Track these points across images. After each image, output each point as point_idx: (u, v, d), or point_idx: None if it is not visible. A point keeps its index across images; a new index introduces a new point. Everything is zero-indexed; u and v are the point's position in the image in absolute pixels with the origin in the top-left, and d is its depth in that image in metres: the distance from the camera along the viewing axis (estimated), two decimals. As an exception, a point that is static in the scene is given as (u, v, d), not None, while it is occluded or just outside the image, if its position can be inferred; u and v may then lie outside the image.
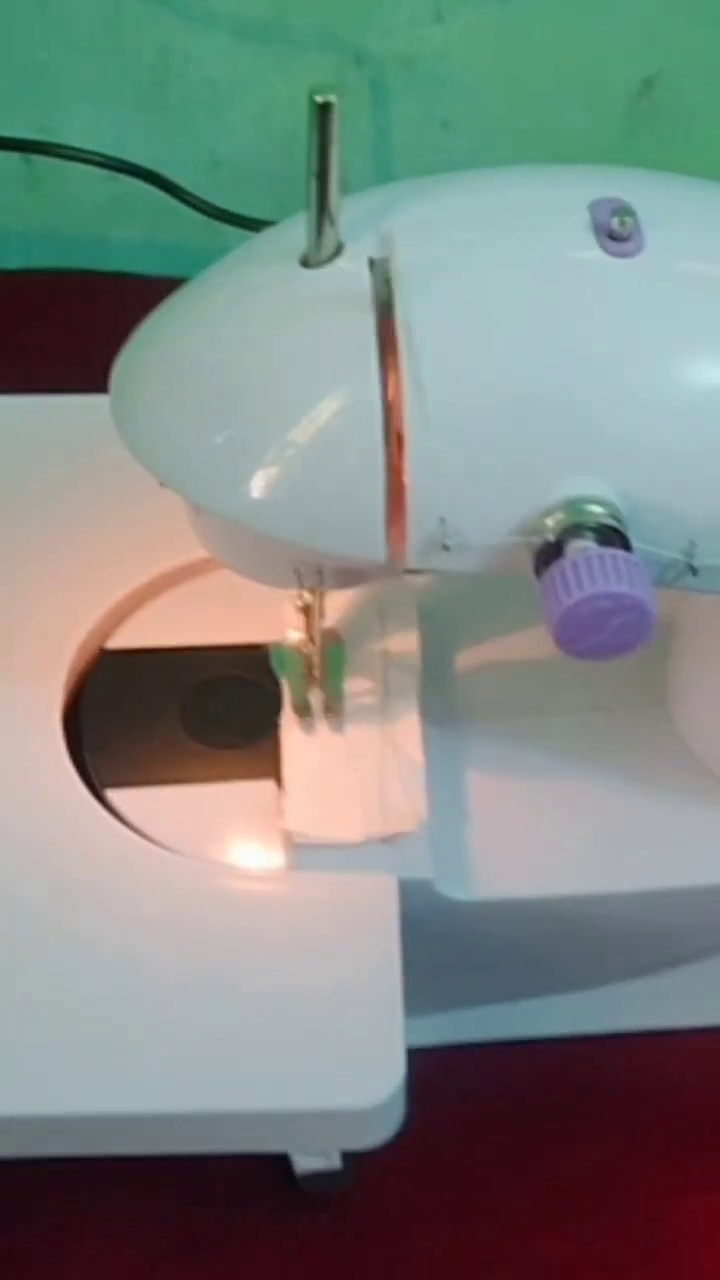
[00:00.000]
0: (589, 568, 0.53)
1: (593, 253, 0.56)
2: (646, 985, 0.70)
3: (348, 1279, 0.66)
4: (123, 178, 0.95)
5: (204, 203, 0.88)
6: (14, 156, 0.98)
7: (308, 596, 0.66)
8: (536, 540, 0.55)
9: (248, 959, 0.62)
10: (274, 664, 0.68)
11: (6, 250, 1.04)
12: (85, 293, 1.01)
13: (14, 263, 1.04)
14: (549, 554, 0.55)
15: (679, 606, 0.69)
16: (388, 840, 0.64)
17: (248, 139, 1.01)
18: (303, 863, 0.63)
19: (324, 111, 0.53)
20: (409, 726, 0.67)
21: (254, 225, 0.87)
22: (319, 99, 0.53)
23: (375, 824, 0.64)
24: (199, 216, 0.93)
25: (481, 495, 0.56)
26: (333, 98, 0.53)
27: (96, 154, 0.91)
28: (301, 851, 0.64)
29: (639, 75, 0.98)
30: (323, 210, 0.55)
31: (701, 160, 1.01)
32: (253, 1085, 0.59)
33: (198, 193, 0.94)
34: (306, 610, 0.66)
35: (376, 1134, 0.59)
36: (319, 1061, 0.59)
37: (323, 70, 0.98)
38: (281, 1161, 0.65)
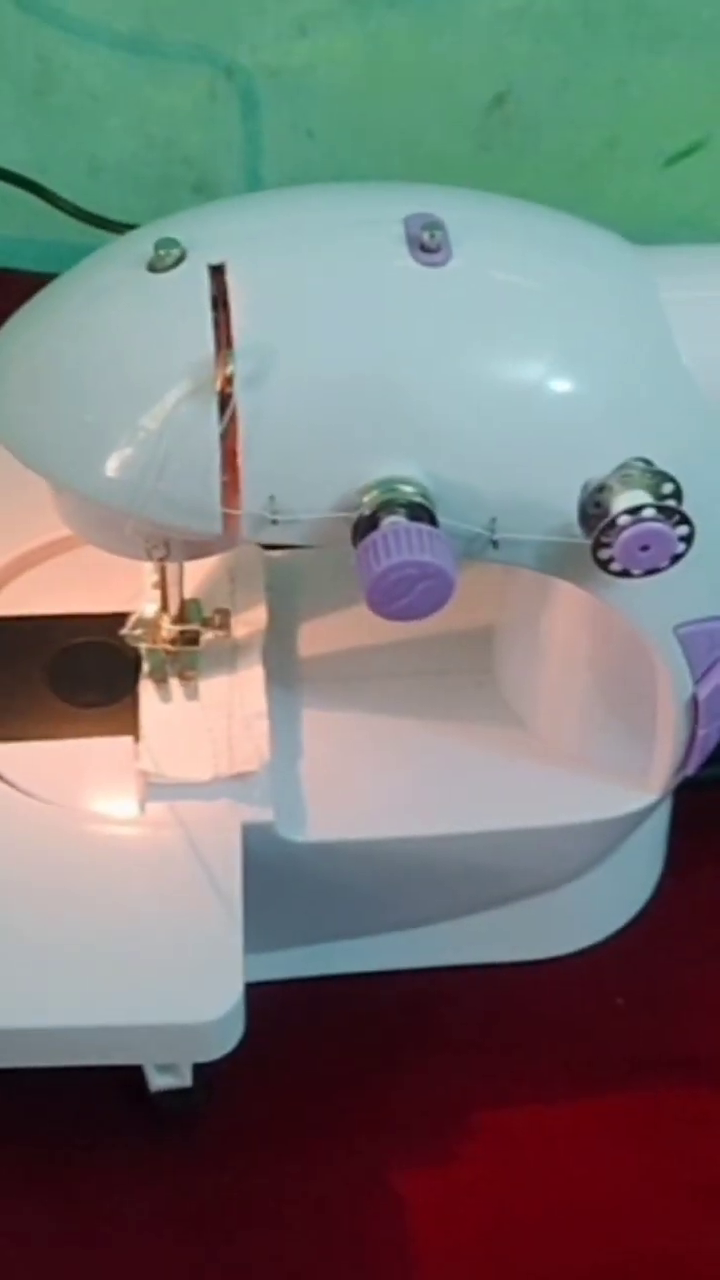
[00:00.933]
0: (397, 539, 0.60)
1: (406, 261, 0.62)
2: (471, 922, 0.76)
3: (195, 1197, 0.70)
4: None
5: (76, 208, 0.94)
6: None
7: (163, 569, 0.72)
8: (354, 515, 0.61)
9: (103, 893, 0.68)
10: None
11: None
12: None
13: None
14: (365, 527, 0.61)
15: (505, 581, 0.76)
16: (234, 779, 0.70)
17: (126, 146, 1.07)
18: (156, 798, 0.70)
19: None
20: (254, 682, 0.73)
21: (123, 228, 0.93)
22: None
23: (222, 764, 0.70)
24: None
25: (307, 476, 0.62)
26: None
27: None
28: (155, 789, 0.70)
29: (491, 90, 1.04)
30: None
31: (549, 169, 1.07)
32: (103, 1002, 0.65)
33: (77, 196, 0.99)
34: (162, 582, 0.72)
35: (217, 1046, 0.65)
36: (166, 981, 0.65)
37: (196, 81, 1.04)
38: (136, 1082, 0.71)
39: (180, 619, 0.73)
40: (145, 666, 0.74)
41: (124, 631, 0.73)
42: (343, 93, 1.04)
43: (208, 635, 0.73)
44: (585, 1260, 0.69)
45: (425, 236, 0.62)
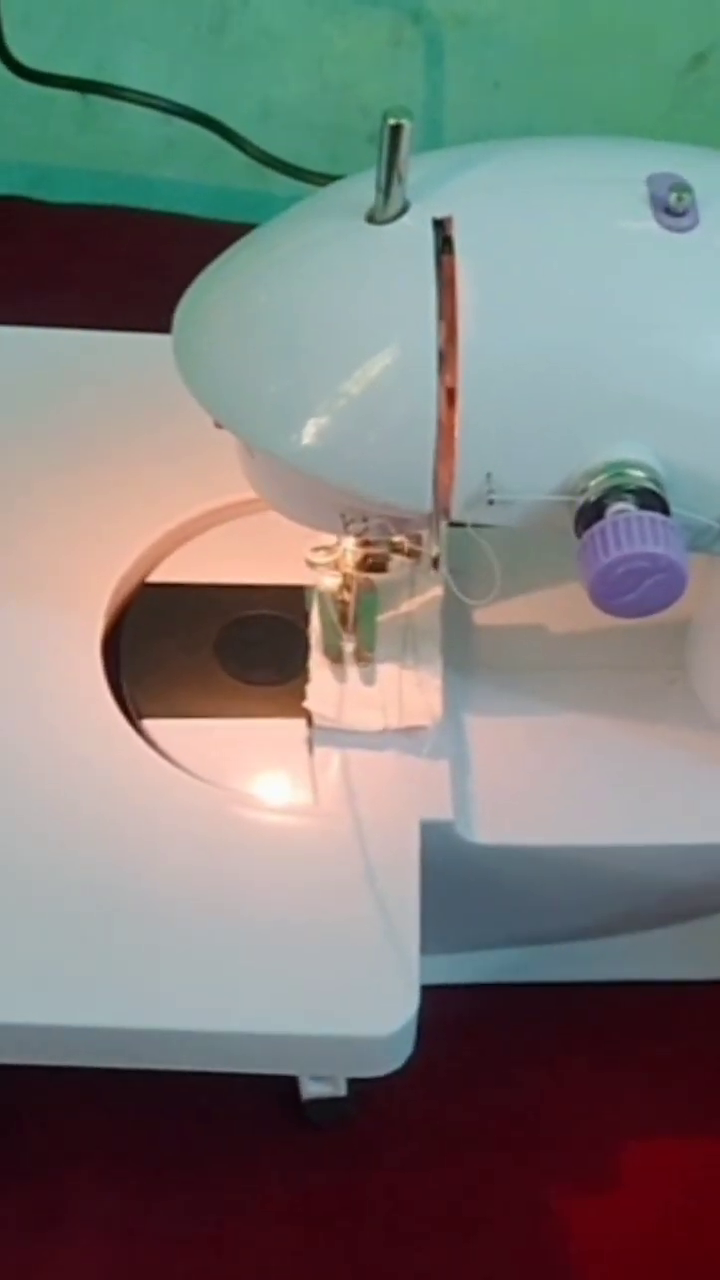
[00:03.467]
0: (628, 529, 0.55)
1: (648, 225, 0.58)
2: (647, 938, 0.72)
3: (345, 1204, 0.68)
4: (176, 120, 0.96)
5: (256, 149, 0.89)
6: (70, 94, 0.99)
7: (347, 544, 0.67)
8: (578, 500, 0.57)
9: (271, 888, 0.64)
10: (310, 606, 0.70)
11: (57, 185, 1.05)
12: (133, 231, 1.02)
13: (64, 197, 1.05)
14: (590, 514, 0.57)
15: (707, 570, 0.71)
16: (404, 732, 0.66)
17: (301, 89, 1.02)
18: (322, 744, 0.66)
19: (395, 132, 0.56)
20: (429, 643, 0.69)
21: (303, 174, 0.89)
22: (392, 121, 0.56)
23: (393, 716, 0.67)
24: (247, 161, 0.94)
25: (528, 453, 0.58)
26: (405, 121, 0.56)
27: (153, 96, 0.92)
28: (320, 735, 0.66)
29: (691, 49, 1.00)
30: (392, 170, 0.57)
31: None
32: (271, 1008, 0.61)
33: (250, 137, 0.95)
34: (338, 559, 0.68)
35: (386, 1063, 0.61)
36: (336, 989, 0.61)
37: (380, 25, 1.00)
38: (287, 1087, 0.67)
39: (367, 544, 0.68)
40: (318, 642, 0.69)
41: (308, 556, 0.68)
42: (534, 45, 0.99)
43: (395, 560, 0.68)
44: None
45: (672, 199, 0.58)
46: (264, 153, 0.90)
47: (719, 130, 1.02)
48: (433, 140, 1.04)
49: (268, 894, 0.63)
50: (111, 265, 0.98)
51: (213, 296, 0.61)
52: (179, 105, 0.92)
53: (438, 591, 0.71)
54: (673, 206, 0.57)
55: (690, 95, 1.01)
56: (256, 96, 1.03)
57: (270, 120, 1.03)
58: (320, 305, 0.59)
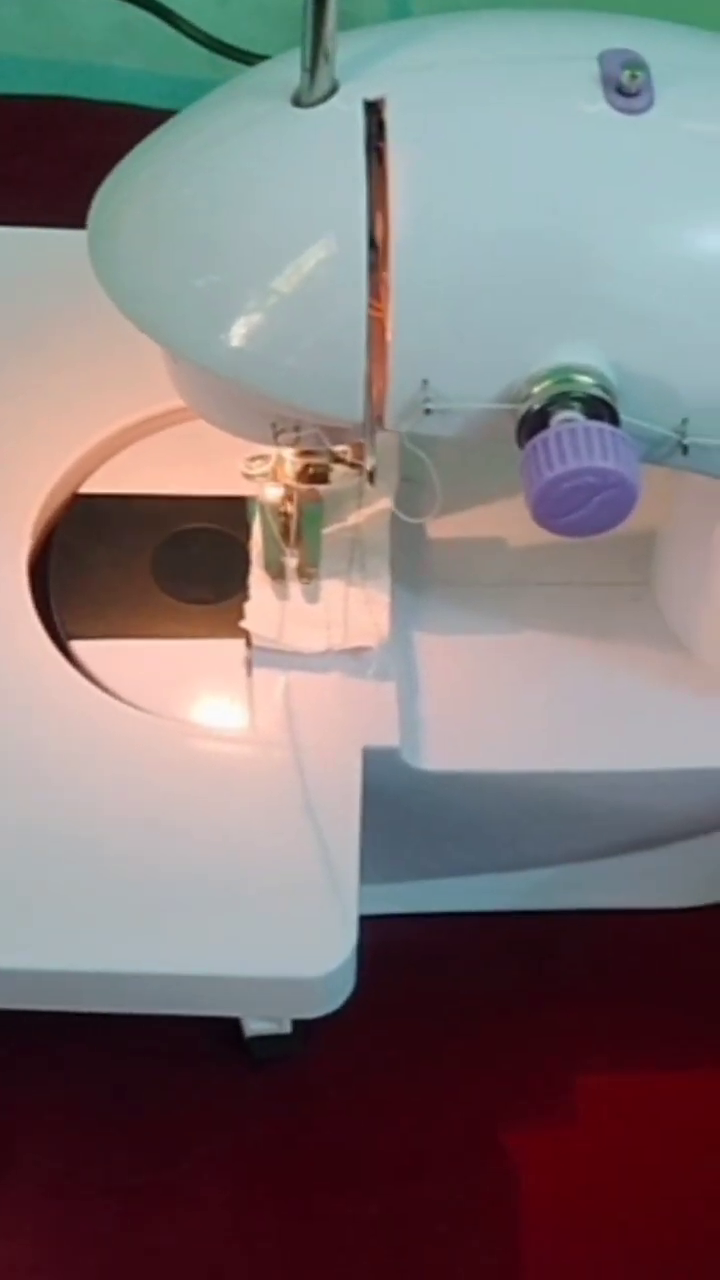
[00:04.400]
0: (573, 441, 0.52)
1: (598, 106, 0.54)
2: (600, 866, 0.70)
3: (287, 1145, 0.65)
4: (128, 6, 0.91)
5: (206, 36, 0.84)
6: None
7: (286, 455, 0.63)
8: (521, 408, 0.54)
9: (205, 820, 0.61)
10: (251, 519, 0.66)
11: (5, 75, 1.00)
12: (82, 122, 0.97)
13: (10, 88, 1.00)
14: (533, 424, 0.53)
15: (674, 481, 0.67)
16: (349, 654, 0.63)
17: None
18: (262, 665, 0.63)
19: (319, 4, 0.52)
20: (378, 560, 0.66)
21: (258, 60, 0.84)
22: None
23: (336, 637, 0.63)
24: (203, 49, 0.89)
25: (467, 357, 0.54)
26: None
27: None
28: (260, 656, 0.63)
29: None
30: (318, 47, 0.53)
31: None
32: (202, 948, 0.58)
33: (206, 25, 0.90)
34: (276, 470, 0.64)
35: (324, 1003, 0.59)
36: (270, 928, 0.58)
37: None
38: (230, 1022, 0.65)
39: (308, 454, 0.64)
40: (258, 558, 0.66)
41: (243, 466, 0.64)
42: None
43: (339, 471, 0.65)
44: (705, 1221, 0.64)
45: (624, 77, 0.54)
46: (215, 39, 0.85)
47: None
48: (399, 17, 0.99)
49: (201, 826, 0.61)
50: (60, 160, 0.94)
51: (126, 190, 0.57)
52: (125, -11, 0.87)
53: (387, 503, 0.67)
54: (625, 86, 0.53)
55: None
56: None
57: (228, 5, 0.98)
58: (240, 198, 0.55)
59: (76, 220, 0.69)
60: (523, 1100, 0.67)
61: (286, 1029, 0.65)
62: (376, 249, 0.54)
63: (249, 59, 0.85)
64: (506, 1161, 0.65)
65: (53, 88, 1.00)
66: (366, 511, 0.67)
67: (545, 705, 0.66)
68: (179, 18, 0.87)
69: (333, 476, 0.65)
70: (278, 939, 0.58)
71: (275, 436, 0.58)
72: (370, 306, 0.54)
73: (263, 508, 0.66)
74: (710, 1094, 0.67)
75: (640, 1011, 0.69)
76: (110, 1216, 0.63)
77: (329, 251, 0.54)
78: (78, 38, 0.99)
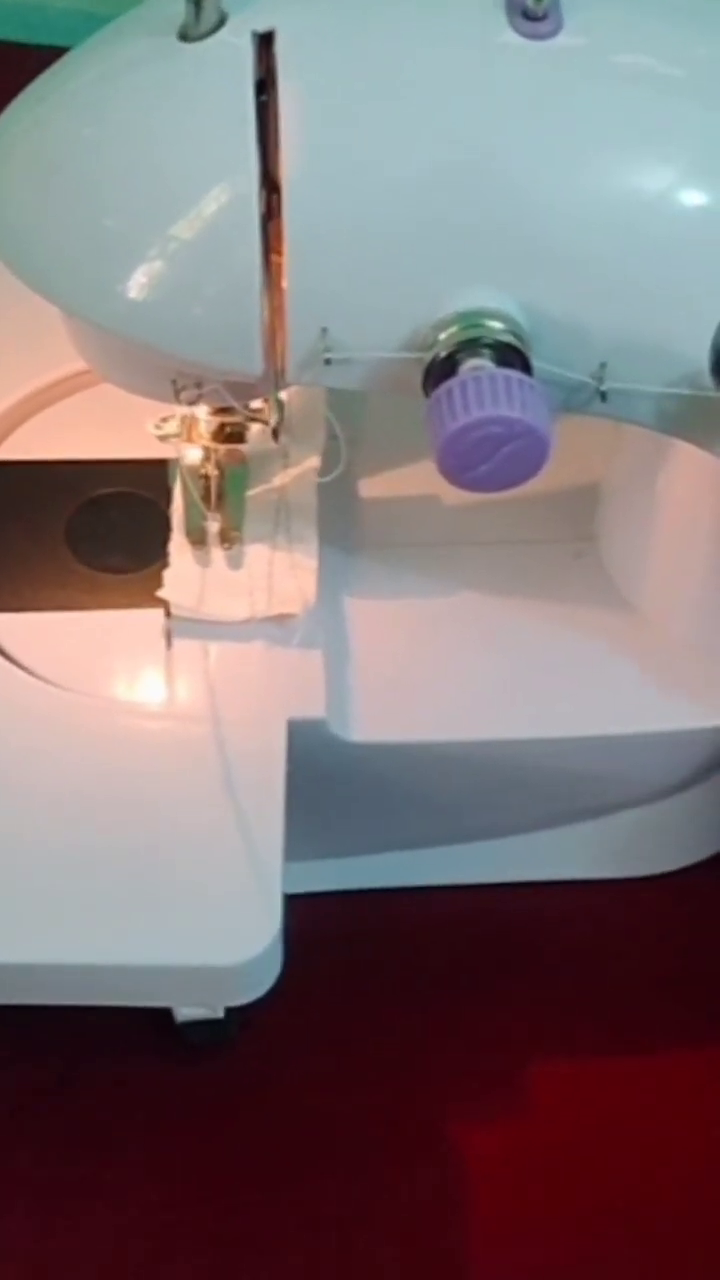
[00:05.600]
0: (478, 389, 0.49)
1: (502, 33, 0.51)
2: (551, 836, 0.67)
3: (223, 1134, 0.63)
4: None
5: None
6: None
7: (199, 414, 0.60)
8: (427, 356, 0.51)
9: (123, 800, 0.58)
10: (172, 483, 0.64)
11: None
12: (15, 67, 0.94)
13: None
14: (440, 372, 0.51)
15: (613, 435, 0.64)
16: (272, 622, 0.61)
17: None
18: (182, 635, 0.61)
19: None
20: (305, 526, 0.63)
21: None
22: None
23: (260, 604, 0.61)
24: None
25: (368, 303, 0.52)
26: None
27: None
28: (180, 626, 0.61)
29: None
30: (201, -25, 0.50)
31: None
32: (124, 939, 0.55)
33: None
34: (190, 427, 0.61)
35: (249, 990, 0.56)
36: (191, 914, 0.56)
37: None
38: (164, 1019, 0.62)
39: (223, 411, 0.61)
40: (178, 522, 0.63)
41: (152, 428, 0.62)
42: None
43: (255, 429, 0.62)
44: (660, 1203, 0.62)
45: (528, 1, 0.50)
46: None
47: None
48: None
49: (119, 807, 0.58)
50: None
51: (9, 137, 0.54)
52: None
53: (314, 463, 0.64)
54: (530, 10, 0.51)
55: None
56: None
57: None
58: (123, 142, 0.52)
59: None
60: (462, 1081, 0.64)
61: (219, 1014, 0.62)
62: (275, 190, 0.51)
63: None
64: (446, 1145, 0.63)
65: None
66: (292, 472, 0.65)
67: (482, 671, 0.63)
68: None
69: (250, 436, 0.62)
70: (199, 925, 0.56)
71: (177, 394, 0.56)
72: (269, 252, 0.51)
73: (183, 471, 0.63)
74: (659, 1069, 0.65)
75: (584, 986, 0.67)
76: (34, 1216, 0.61)
77: (221, 196, 0.51)
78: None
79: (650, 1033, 0.65)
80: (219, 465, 0.63)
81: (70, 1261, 0.60)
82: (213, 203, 0.51)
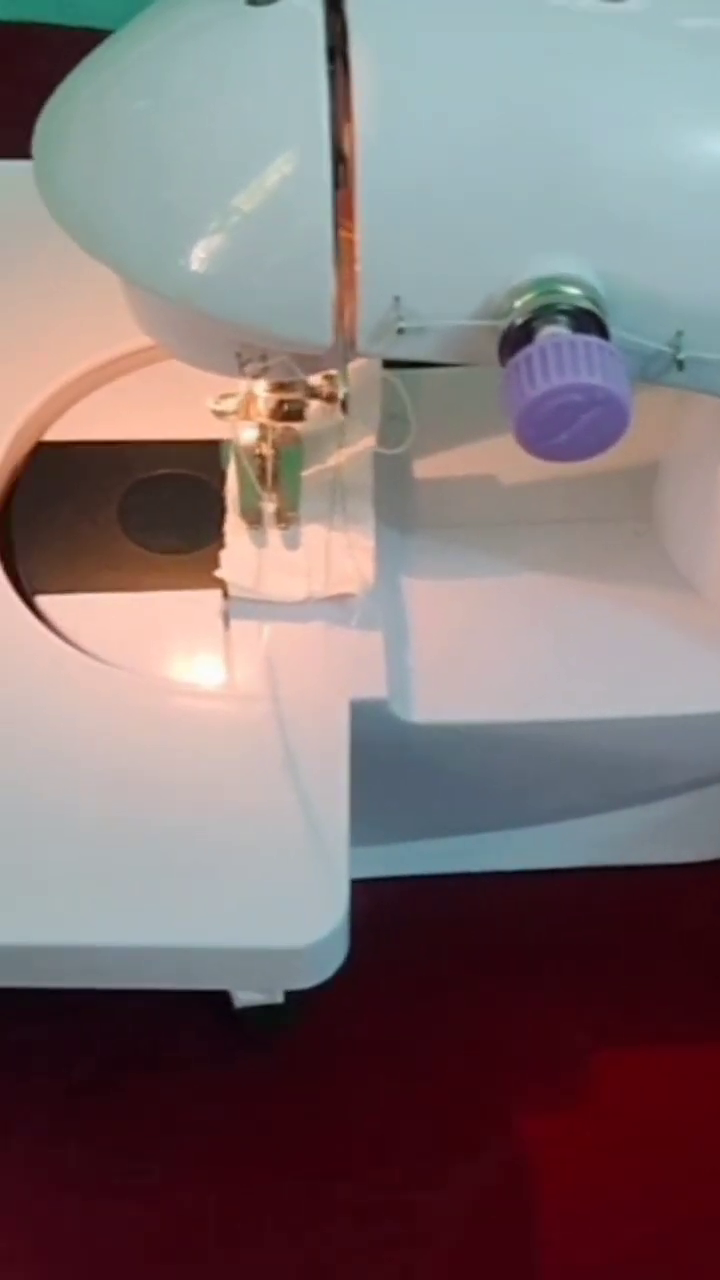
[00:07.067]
0: (558, 356, 0.49)
1: (579, -2, 0.51)
2: (611, 819, 0.67)
3: (280, 1123, 0.63)
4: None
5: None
6: None
7: (258, 390, 0.60)
8: (503, 324, 0.51)
9: (184, 782, 0.58)
10: (226, 463, 0.63)
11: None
12: (50, 48, 0.94)
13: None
14: (516, 340, 0.50)
15: (675, 409, 0.63)
16: (331, 602, 0.61)
17: None
18: (240, 616, 0.61)
19: None
20: (361, 505, 0.63)
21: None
22: None
23: (317, 584, 0.61)
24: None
25: (442, 271, 0.52)
26: None
27: None
28: (238, 607, 0.61)
29: None
30: (272, -64, 0.49)
31: None
32: (185, 920, 0.55)
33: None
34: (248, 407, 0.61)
35: (314, 974, 0.56)
36: (255, 896, 0.55)
37: None
38: (219, 992, 0.62)
39: (282, 388, 0.61)
40: (233, 503, 0.63)
41: (212, 403, 0.62)
42: None
43: (316, 408, 0.62)
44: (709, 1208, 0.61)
45: (601, -36, 0.50)
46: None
47: None
48: None
49: (180, 789, 0.58)
50: (28, 85, 0.90)
51: (71, 107, 0.54)
52: None
53: (370, 441, 0.64)
54: (605, -26, 0.49)
55: None
56: None
57: None
58: (190, 109, 0.52)
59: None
60: (525, 1069, 0.64)
61: (279, 999, 0.62)
62: (346, 159, 0.51)
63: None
64: (510, 1134, 0.63)
65: (17, 12, 0.97)
66: (348, 451, 0.64)
67: (542, 652, 0.63)
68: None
69: (309, 414, 0.62)
70: (265, 907, 0.55)
71: (241, 367, 0.55)
72: (339, 220, 0.51)
73: (238, 451, 0.63)
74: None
75: (649, 971, 0.66)
76: (83, 1211, 0.61)
77: (290, 164, 0.51)
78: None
79: (706, 1012, 0.65)
80: (275, 444, 0.63)
81: (121, 1256, 0.60)
82: (283, 172, 0.50)
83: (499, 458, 0.66)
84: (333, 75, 0.50)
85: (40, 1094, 0.63)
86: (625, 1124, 0.63)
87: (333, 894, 0.55)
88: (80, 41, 0.93)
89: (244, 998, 0.62)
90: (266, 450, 0.63)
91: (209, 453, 0.65)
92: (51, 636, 0.61)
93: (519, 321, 0.50)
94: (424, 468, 0.67)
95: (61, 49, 0.92)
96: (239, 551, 0.62)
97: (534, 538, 0.66)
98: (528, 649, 0.63)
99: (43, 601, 0.62)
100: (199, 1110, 0.63)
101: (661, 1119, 0.63)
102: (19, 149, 0.66)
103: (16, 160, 0.68)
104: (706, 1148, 0.63)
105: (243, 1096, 0.63)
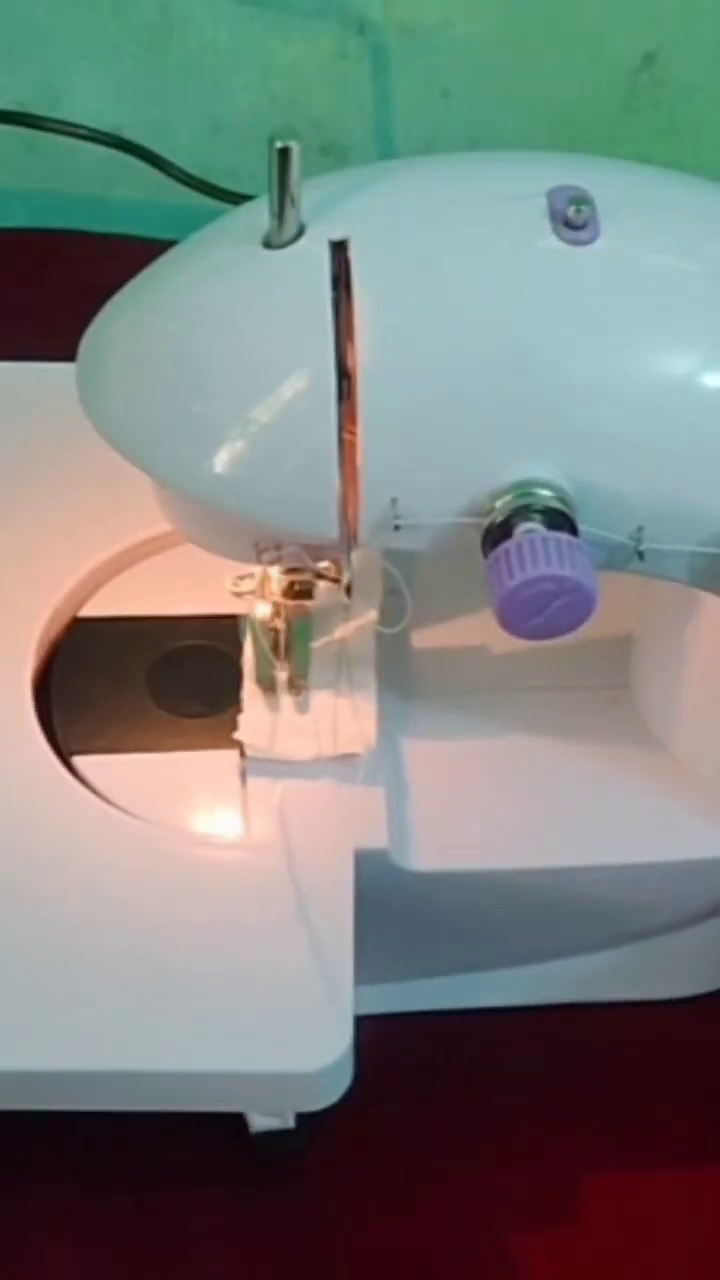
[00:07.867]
0: (532, 550, 0.54)
1: (549, 240, 0.56)
2: (595, 960, 0.71)
3: (294, 1246, 0.66)
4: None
5: (188, 176, 0.88)
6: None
7: (272, 573, 0.66)
8: (485, 521, 0.56)
9: (203, 922, 0.62)
10: (243, 636, 0.69)
11: (5, 208, 1.04)
12: (83, 253, 1.00)
13: (13, 220, 1.04)
14: (497, 535, 0.55)
15: (645, 590, 0.69)
16: (337, 761, 0.66)
17: (248, 104, 1.01)
18: (255, 774, 0.66)
19: (283, 155, 0.55)
20: (364, 674, 0.68)
21: (238, 198, 0.87)
22: (279, 145, 0.55)
23: (325, 744, 0.66)
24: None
25: (433, 476, 0.57)
26: (292, 144, 0.55)
27: (88, 128, 0.91)
28: (253, 765, 0.65)
29: (640, 49, 0.98)
30: (284, 194, 0.56)
31: (700, 135, 1.01)
32: (201, 1045, 0.60)
33: (198, 157, 0.93)
34: (264, 587, 0.67)
35: (324, 1096, 0.60)
36: (268, 1024, 0.60)
37: (324, 37, 0.98)
38: (234, 1119, 0.66)
39: (293, 571, 0.67)
40: (250, 671, 0.68)
41: (230, 585, 0.68)
42: (480, 50, 0.98)
43: (323, 586, 0.67)
44: None
45: (571, 212, 0.56)
46: (198, 179, 0.89)
47: (672, 130, 1.01)
48: (384, 150, 1.03)
49: (201, 930, 0.62)
50: (60, 290, 0.97)
51: (113, 328, 0.60)
52: (112, 135, 0.90)
53: (372, 616, 0.70)
54: (572, 219, 0.56)
55: (642, 95, 1.00)
56: (204, 113, 1.02)
57: (220, 135, 1.02)
58: (216, 335, 0.57)
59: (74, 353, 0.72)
60: (526, 1201, 0.66)
61: (290, 1123, 0.66)
62: (349, 377, 0.56)
63: (229, 196, 0.89)
64: (507, 1261, 0.65)
65: (53, 220, 1.03)
66: (352, 625, 0.70)
67: (528, 805, 0.67)
68: (162, 160, 0.91)
69: (318, 592, 0.67)
70: (276, 1035, 0.59)
71: (258, 556, 0.61)
72: (344, 431, 0.56)
73: (253, 624, 0.68)
74: (711, 1184, 0.67)
75: (649, 1107, 0.69)
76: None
77: (301, 383, 0.56)
78: (76, 170, 1.03)
79: (700, 1148, 0.68)
80: (287, 619, 0.69)
81: None
82: (295, 390, 0.56)
83: (489, 631, 0.71)
84: (337, 303, 0.56)
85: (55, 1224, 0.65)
86: (615, 1248, 0.65)
87: (339, 1022, 0.59)
88: (111, 248, 1.01)
89: (259, 1124, 0.66)
90: (280, 625, 0.68)
91: (228, 627, 0.70)
92: (87, 793, 0.65)
93: (499, 519, 0.55)
94: (422, 639, 0.71)
95: (94, 256, 0.99)
96: (255, 715, 0.67)
97: (522, 703, 0.70)
98: (517, 802, 0.67)
99: (79, 762, 0.67)
100: (220, 1240, 0.65)
101: (655, 1244, 0.65)
102: (62, 351, 0.73)
103: (55, 362, 0.75)
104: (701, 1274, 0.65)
105: (253, 1222, 0.65)
